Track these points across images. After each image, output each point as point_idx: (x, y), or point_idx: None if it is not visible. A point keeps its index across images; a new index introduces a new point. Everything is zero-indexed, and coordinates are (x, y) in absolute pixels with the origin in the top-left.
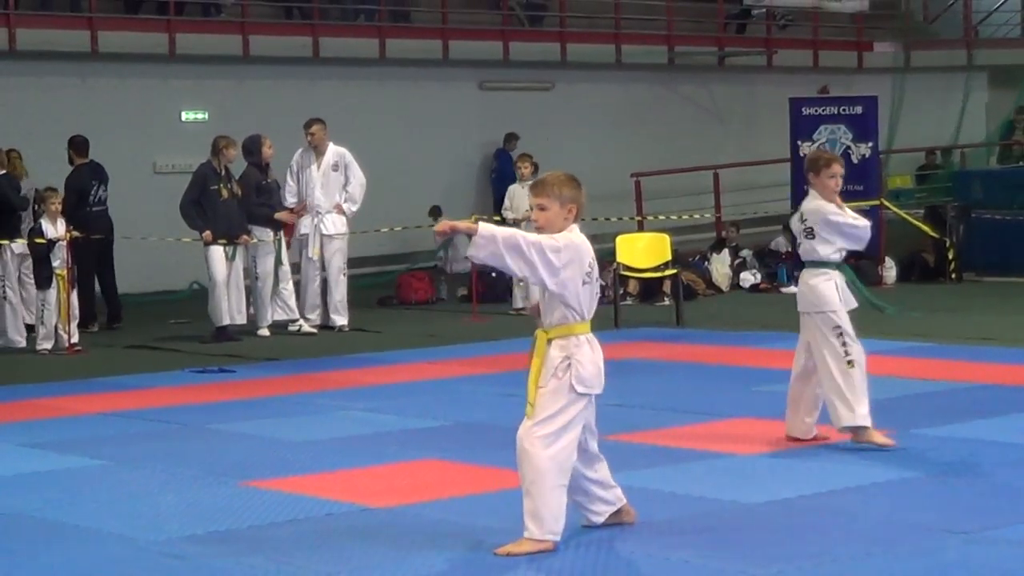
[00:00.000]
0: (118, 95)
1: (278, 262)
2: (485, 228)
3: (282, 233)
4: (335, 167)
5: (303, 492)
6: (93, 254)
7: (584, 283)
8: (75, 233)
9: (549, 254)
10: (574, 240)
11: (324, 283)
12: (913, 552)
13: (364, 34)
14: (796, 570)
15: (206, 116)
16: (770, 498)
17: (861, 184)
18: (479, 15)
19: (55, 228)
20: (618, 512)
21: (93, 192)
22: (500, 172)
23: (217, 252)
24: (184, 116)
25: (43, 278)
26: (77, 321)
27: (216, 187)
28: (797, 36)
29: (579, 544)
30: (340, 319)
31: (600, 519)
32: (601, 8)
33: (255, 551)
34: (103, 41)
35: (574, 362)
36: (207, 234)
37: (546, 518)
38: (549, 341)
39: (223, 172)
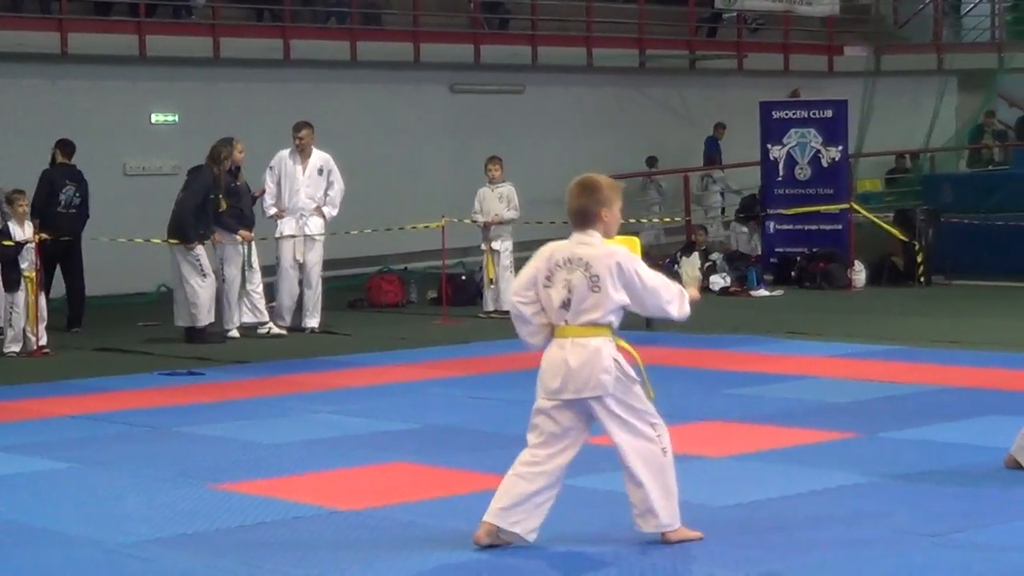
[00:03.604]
0: (88, 97)
1: (247, 265)
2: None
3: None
4: (320, 171)
5: (272, 495)
6: (56, 255)
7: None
8: (43, 236)
9: None
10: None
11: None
12: (881, 555)
13: (335, 37)
14: (764, 573)
15: (176, 118)
16: (738, 501)
17: (831, 187)
18: (450, 18)
19: (22, 230)
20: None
21: (64, 192)
22: None
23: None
24: (154, 118)
25: (11, 281)
26: (45, 323)
27: (215, 197)
28: (768, 40)
29: (554, 545)
30: (312, 321)
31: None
32: (572, 11)
33: (224, 554)
34: (73, 43)
35: None
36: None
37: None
38: None
39: (223, 181)
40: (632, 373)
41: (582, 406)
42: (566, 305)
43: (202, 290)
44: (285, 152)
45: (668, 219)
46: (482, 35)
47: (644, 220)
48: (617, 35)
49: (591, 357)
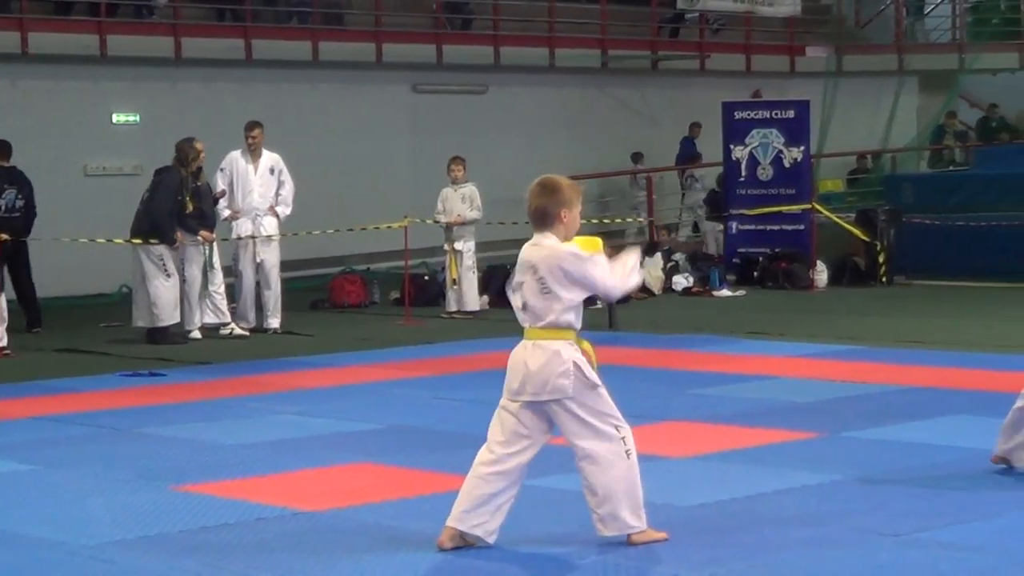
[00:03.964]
0: (48, 97)
1: (209, 265)
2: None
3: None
4: (272, 171)
5: (235, 496)
6: (4, 258)
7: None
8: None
9: None
10: None
11: (257, 286)
12: (845, 554)
13: (297, 37)
14: (729, 573)
15: (137, 118)
16: (703, 501)
17: (793, 188)
18: (412, 18)
19: None
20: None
21: (4, 196)
22: None
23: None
24: (115, 118)
25: None
26: (6, 324)
27: (182, 198)
28: (730, 40)
29: (517, 546)
30: (274, 321)
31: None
32: (534, 11)
33: (186, 555)
34: (33, 42)
35: None
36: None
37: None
38: None
39: (189, 183)
40: (594, 376)
41: (541, 408)
42: (525, 307)
43: (165, 290)
44: (236, 153)
45: (631, 218)
46: (444, 35)
47: (619, 220)
48: (579, 35)
49: (549, 360)
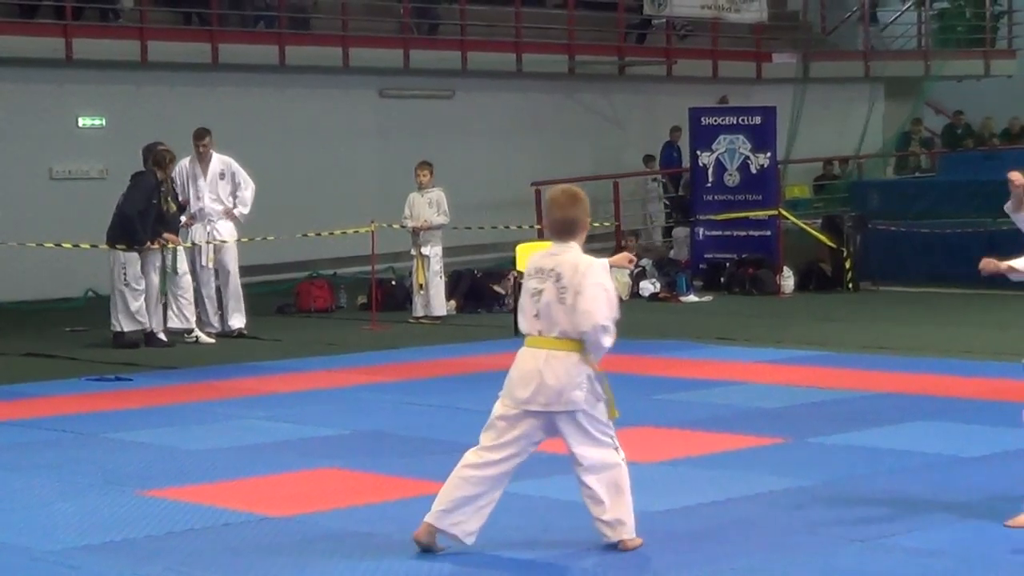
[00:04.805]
0: (14, 100)
1: (173, 270)
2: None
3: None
4: (222, 175)
5: (201, 501)
6: None
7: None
8: None
9: None
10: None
11: (218, 290)
12: (810, 559)
13: (263, 41)
14: None
15: (103, 122)
16: (669, 507)
17: (760, 194)
18: (379, 23)
19: None
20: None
21: None
22: None
23: (136, 257)
24: (81, 122)
25: None
26: None
27: (157, 200)
28: (697, 46)
29: (487, 550)
30: (238, 321)
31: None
32: (501, 17)
33: (152, 561)
34: None
35: None
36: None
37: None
38: None
39: (167, 185)
40: (599, 390)
41: (548, 418)
42: (538, 315)
43: (133, 296)
44: (184, 160)
45: (597, 224)
46: (411, 40)
47: (596, 224)
48: (547, 41)
49: (568, 371)
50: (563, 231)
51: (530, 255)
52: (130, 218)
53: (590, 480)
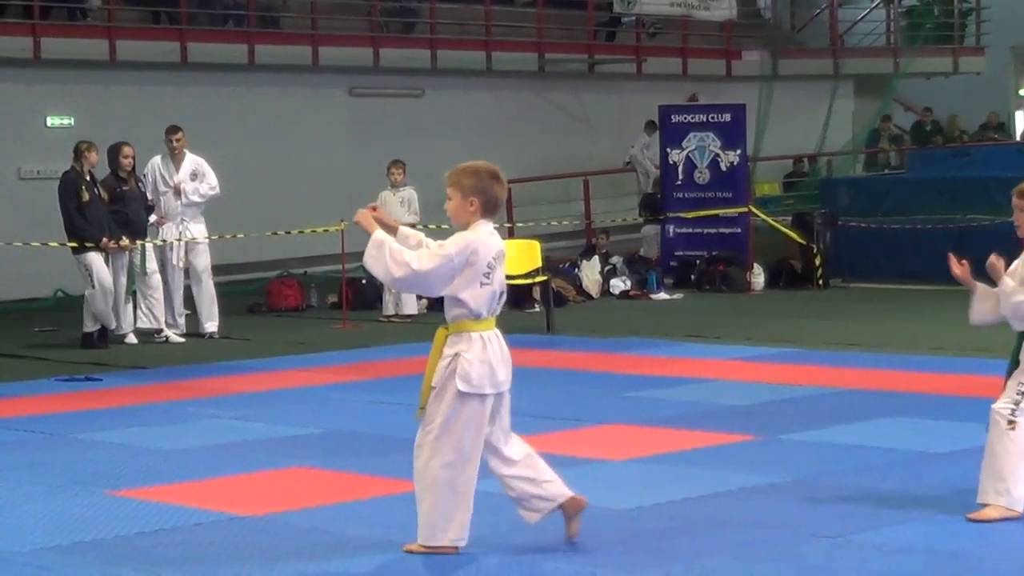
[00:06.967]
0: None
1: (142, 271)
2: (377, 236)
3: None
4: (194, 175)
5: (171, 501)
6: None
7: (482, 284)
8: None
9: (442, 267)
10: (469, 241)
11: (189, 290)
12: (780, 556)
13: (233, 40)
14: (665, 575)
15: (72, 122)
16: (640, 504)
17: (730, 191)
18: (349, 21)
19: None
20: (563, 507)
21: None
22: None
23: (98, 257)
24: (49, 121)
25: None
26: None
27: (78, 190)
28: (666, 44)
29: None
30: (211, 325)
31: (535, 516)
32: (471, 15)
33: (122, 561)
34: None
35: (460, 359)
36: (106, 242)
37: (436, 524)
38: (445, 339)
39: (87, 176)
40: None
41: (501, 396)
42: (496, 297)
43: (95, 295)
44: (157, 159)
45: (567, 221)
46: (381, 38)
47: (555, 223)
48: (516, 39)
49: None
50: (499, 209)
51: (472, 242)
52: (70, 219)
53: (523, 461)
